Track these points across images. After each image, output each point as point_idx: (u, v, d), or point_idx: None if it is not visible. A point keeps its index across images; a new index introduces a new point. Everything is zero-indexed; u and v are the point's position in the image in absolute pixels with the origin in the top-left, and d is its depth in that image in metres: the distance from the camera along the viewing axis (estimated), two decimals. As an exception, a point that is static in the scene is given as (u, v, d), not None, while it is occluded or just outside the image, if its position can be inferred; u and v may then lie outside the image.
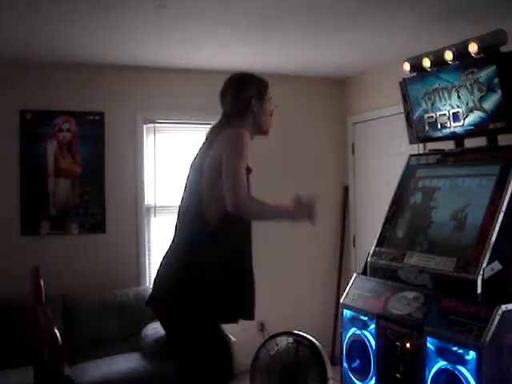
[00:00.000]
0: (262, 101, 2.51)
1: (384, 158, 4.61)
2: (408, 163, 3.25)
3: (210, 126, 2.55)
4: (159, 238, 4.69)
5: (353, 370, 2.98)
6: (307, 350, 3.32)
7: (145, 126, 4.66)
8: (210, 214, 2.29)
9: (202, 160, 2.38)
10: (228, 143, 2.29)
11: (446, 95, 2.98)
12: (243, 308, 2.44)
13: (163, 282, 2.38)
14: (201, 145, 2.50)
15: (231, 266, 2.36)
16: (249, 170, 2.37)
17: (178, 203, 2.49)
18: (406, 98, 3.27)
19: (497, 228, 2.49)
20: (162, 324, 2.46)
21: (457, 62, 2.88)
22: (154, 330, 4.00)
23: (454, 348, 2.34)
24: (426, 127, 3.18)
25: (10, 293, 3.91)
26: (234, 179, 2.21)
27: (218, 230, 2.30)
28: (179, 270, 2.32)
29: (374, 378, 2.82)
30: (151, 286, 2.51)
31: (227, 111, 2.50)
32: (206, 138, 2.49)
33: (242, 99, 2.47)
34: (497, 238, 2.48)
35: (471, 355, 2.27)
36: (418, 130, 3.25)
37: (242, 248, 2.44)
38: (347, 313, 3.05)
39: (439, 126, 3.10)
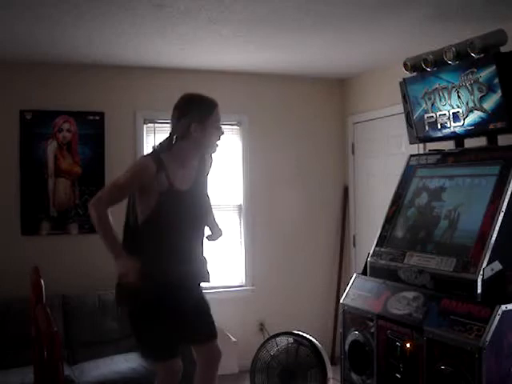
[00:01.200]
0: (204, 125, 2.60)
1: (384, 158, 4.61)
2: (408, 163, 3.25)
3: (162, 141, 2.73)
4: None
5: (353, 370, 2.98)
6: (307, 350, 3.32)
7: (145, 126, 4.66)
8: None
9: None
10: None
11: (445, 95, 2.99)
12: None
13: None
14: None
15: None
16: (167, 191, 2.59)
17: None
18: (405, 97, 3.27)
19: (497, 228, 2.49)
20: None
21: (457, 62, 2.88)
22: (154, 330, 4.00)
23: (454, 348, 2.35)
24: (426, 127, 3.18)
25: (10, 293, 3.91)
26: (105, 188, 2.75)
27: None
28: None
29: (374, 378, 2.82)
30: None
31: (172, 131, 2.66)
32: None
33: (182, 123, 2.60)
34: (497, 238, 2.48)
35: (471, 355, 2.27)
36: (418, 130, 3.25)
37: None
38: (347, 313, 3.05)
39: (439, 126, 3.10)
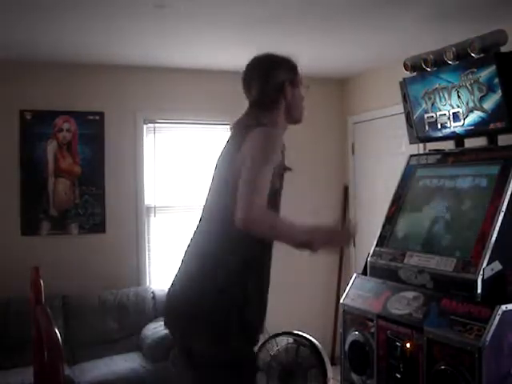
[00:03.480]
0: (295, 85, 2.14)
1: (384, 158, 4.61)
2: (408, 163, 3.25)
3: (235, 121, 2.16)
4: (159, 237, 4.69)
5: (353, 370, 2.98)
6: (307, 350, 3.32)
7: (145, 126, 4.66)
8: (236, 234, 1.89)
9: (227, 168, 1.99)
10: (255, 146, 1.91)
11: (446, 95, 2.98)
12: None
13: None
14: (226, 144, 2.11)
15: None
16: (283, 170, 2.08)
17: (201, 213, 2.10)
18: (406, 97, 3.27)
19: (497, 228, 2.49)
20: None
21: (457, 62, 2.88)
22: (154, 330, 4.00)
23: (454, 348, 2.34)
24: (426, 127, 3.18)
25: (9, 293, 3.91)
26: (250, 187, 1.82)
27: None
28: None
29: (374, 378, 2.81)
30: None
31: (255, 100, 2.12)
32: (232, 137, 2.09)
33: (274, 84, 2.08)
34: (497, 238, 2.47)
35: (471, 355, 2.27)
36: (418, 130, 3.24)
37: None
38: (347, 313, 3.05)
39: (439, 126, 3.10)
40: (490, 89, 2.72)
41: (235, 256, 1.96)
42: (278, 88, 2.08)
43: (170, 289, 2.07)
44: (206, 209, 2.07)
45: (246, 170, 1.85)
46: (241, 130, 2.03)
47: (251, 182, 1.83)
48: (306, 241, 2.04)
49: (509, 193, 2.52)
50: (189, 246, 2.07)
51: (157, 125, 4.71)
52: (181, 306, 1.98)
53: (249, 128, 1.98)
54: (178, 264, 2.08)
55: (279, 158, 1.99)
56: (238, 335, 1.99)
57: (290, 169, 2.10)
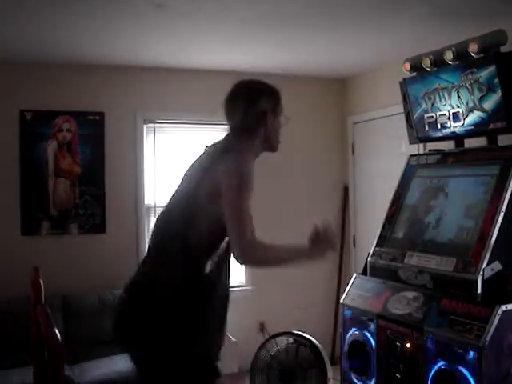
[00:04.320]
0: (277, 113, 2.16)
1: (384, 158, 4.61)
2: (408, 163, 3.25)
3: (213, 143, 2.19)
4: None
5: (353, 370, 2.98)
6: (307, 350, 3.32)
7: (145, 126, 4.66)
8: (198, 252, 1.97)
9: (197, 185, 2.01)
10: (231, 176, 1.94)
11: (445, 95, 2.98)
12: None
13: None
14: (199, 160, 2.14)
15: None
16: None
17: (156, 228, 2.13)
18: (406, 97, 3.27)
19: (497, 228, 2.49)
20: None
21: (457, 62, 2.88)
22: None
23: (454, 348, 2.34)
24: (426, 127, 3.18)
25: (10, 293, 3.91)
26: (240, 226, 1.91)
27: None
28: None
29: (374, 378, 2.82)
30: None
31: (236, 126, 2.12)
32: (206, 158, 2.11)
33: (257, 113, 2.08)
34: (497, 238, 2.48)
35: (471, 355, 2.27)
36: (418, 130, 3.24)
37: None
38: (347, 313, 3.05)
39: (439, 126, 3.10)
40: (490, 89, 2.72)
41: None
42: (260, 116, 2.09)
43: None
44: (164, 221, 2.09)
45: (230, 208, 1.91)
46: (217, 154, 2.06)
47: (239, 220, 1.91)
48: (299, 257, 2.25)
49: (509, 193, 2.53)
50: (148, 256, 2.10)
51: (157, 125, 4.71)
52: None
53: (224, 154, 2.01)
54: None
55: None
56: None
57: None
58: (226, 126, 2.17)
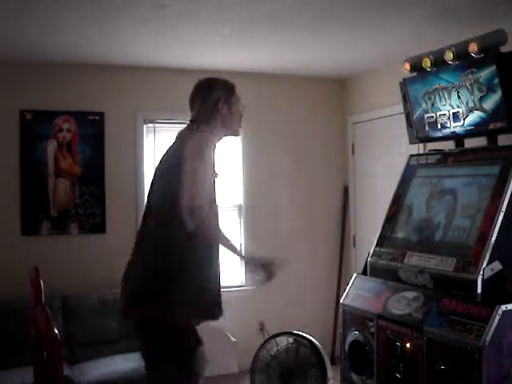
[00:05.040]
0: (230, 103, 2.52)
1: (384, 158, 4.61)
2: (408, 163, 3.25)
3: (179, 131, 2.59)
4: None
5: (353, 370, 2.98)
6: (307, 350, 3.31)
7: (145, 126, 4.66)
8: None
9: (171, 173, 2.29)
10: (188, 151, 2.28)
11: (445, 95, 2.98)
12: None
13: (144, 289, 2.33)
14: (169, 152, 2.50)
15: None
16: (215, 175, 2.35)
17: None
18: (406, 97, 3.27)
19: (497, 228, 2.49)
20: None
21: (457, 62, 2.88)
22: (154, 330, 3.99)
23: (454, 348, 2.34)
24: (426, 127, 3.18)
25: (10, 293, 3.91)
26: (191, 187, 2.19)
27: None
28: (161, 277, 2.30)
29: (374, 378, 2.82)
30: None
31: (195, 116, 2.55)
32: (175, 143, 2.51)
33: (210, 103, 2.50)
34: (497, 238, 2.48)
35: (471, 355, 2.27)
36: (418, 130, 3.24)
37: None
38: (347, 313, 3.05)
39: (439, 126, 3.10)
40: (490, 89, 2.72)
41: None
42: (213, 106, 2.49)
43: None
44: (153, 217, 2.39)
45: (185, 173, 2.21)
46: (181, 140, 2.44)
47: (191, 183, 2.19)
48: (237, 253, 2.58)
49: (509, 193, 2.53)
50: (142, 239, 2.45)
51: (157, 125, 4.71)
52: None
53: (187, 137, 2.40)
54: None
55: (211, 158, 2.31)
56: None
57: (217, 175, 2.38)
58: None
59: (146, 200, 2.50)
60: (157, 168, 2.50)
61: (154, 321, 2.28)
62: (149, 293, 2.29)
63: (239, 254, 2.67)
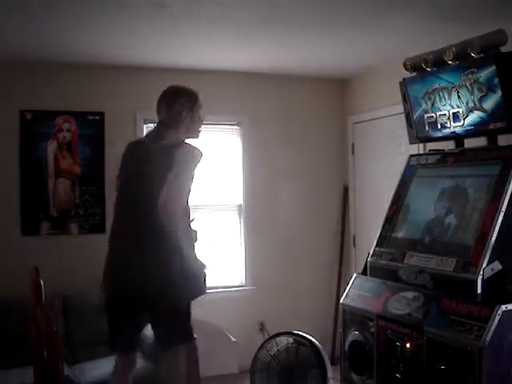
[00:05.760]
0: (193, 111, 2.85)
1: (384, 158, 4.61)
2: (408, 163, 3.25)
3: (149, 136, 2.93)
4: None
5: (353, 370, 2.98)
6: (307, 350, 3.31)
7: (145, 126, 4.66)
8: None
9: (160, 174, 2.63)
10: (186, 161, 2.69)
11: (445, 95, 2.98)
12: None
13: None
14: (140, 149, 2.86)
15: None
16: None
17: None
18: (406, 97, 3.27)
19: (497, 228, 2.49)
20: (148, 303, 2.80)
21: (457, 62, 2.88)
22: (154, 330, 3.99)
23: (454, 348, 2.34)
24: (426, 127, 3.18)
25: (10, 293, 3.91)
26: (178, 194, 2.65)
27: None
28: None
29: (374, 378, 2.82)
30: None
31: (161, 120, 2.89)
32: (144, 143, 2.89)
33: (175, 111, 2.83)
34: (497, 238, 2.47)
35: (471, 355, 2.27)
36: (418, 130, 3.24)
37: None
38: (347, 313, 3.05)
39: (439, 126, 3.10)
40: (490, 89, 2.72)
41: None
42: (178, 114, 2.82)
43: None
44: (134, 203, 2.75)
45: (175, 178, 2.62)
46: (153, 140, 2.84)
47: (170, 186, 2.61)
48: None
49: (509, 193, 2.52)
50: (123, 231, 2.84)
51: (157, 125, 4.71)
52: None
53: (160, 139, 2.80)
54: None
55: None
56: None
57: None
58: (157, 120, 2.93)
59: (124, 188, 2.85)
60: (140, 162, 2.78)
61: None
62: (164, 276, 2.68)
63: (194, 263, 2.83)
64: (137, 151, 2.88)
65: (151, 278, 2.70)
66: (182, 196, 2.66)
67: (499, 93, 2.68)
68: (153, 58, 4.33)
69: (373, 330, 2.82)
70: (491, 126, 2.79)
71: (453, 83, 2.92)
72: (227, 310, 4.68)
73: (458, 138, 3.08)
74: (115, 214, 2.91)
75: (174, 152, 2.67)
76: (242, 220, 4.94)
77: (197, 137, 2.93)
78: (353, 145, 5.11)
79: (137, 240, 2.73)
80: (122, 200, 2.87)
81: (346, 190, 5.20)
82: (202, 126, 2.95)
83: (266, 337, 3.77)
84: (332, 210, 5.20)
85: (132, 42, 3.83)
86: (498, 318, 2.26)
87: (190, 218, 2.83)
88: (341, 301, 3.15)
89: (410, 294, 2.71)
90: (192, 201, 2.89)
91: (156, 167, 2.68)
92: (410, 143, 3.42)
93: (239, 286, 4.91)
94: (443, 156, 3.07)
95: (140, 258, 2.71)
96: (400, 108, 3.44)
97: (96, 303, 4.18)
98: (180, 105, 2.83)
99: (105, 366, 3.81)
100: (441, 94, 3.01)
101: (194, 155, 2.70)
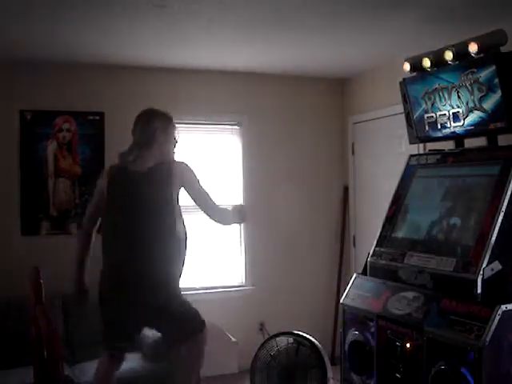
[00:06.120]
0: (166, 133, 3.00)
1: (384, 158, 4.61)
2: (408, 163, 3.25)
3: (122, 152, 3.02)
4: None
5: (353, 370, 2.98)
6: (307, 350, 3.31)
7: (145, 126, 4.66)
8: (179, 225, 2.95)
9: (163, 187, 2.90)
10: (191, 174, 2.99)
11: (446, 95, 2.98)
12: None
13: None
14: (130, 169, 2.96)
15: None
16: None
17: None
18: (406, 98, 3.27)
19: (497, 228, 2.49)
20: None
21: (457, 62, 2.88)
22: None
23: (454, 348, 2.34)
24: (426, 127, 3.18)
25: (9, 293, 3.91)
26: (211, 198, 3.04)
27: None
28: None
29: (374, 378, 2.82)
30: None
31: (137, 139, 3.01)
32: (152, 171, 2.94)
33: (150, 130, 2.98)
34: (497, 238, 2.47)
35: (471, 355, 2.27)
36: (418, 130, 3.24)
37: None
38: (347, 313, 3.05)
39: (439, 126, 3.10)
40: (490, 89, 2.72)
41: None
42: (152, 133, 2.97)
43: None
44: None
45: (202, 189, 3.02)
46: (161, 165, 2.96)
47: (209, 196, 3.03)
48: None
49: (509, 193, 2.52)
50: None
51: (157, 125, 4.71)
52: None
53: (170, 164, 2.98)
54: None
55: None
56: None
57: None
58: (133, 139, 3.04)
59: (125, 200, 2.94)
60: (135, 177, 2.93)
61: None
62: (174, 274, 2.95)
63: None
64: (125, 175, 2.98)
65: (158, 277, 2.89)
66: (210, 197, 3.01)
67: (499, 93, 2.68)
68: (153, 58, 4.32)
69: (373, 329, 2.82)
70: (491, 126, 2.79)
71: (453, 83, 2.92)
72: (227, 310, 4.68)
73: (457, 137, 3.08)
74: (110, 232, 3.15)
75: (170, 169, 2.92)
76: (242, 220, 4.94)
77: (172, 156, 3.07)
78: (353, 145, 5.11)
79: (145, 242, 2.89)
80: (118, 219, 3.03)
81: (346, 189, 5.20)
82: (177, 146, 3.11)
83: (266, 337, 3.77)
84: (332, 209, 5.20)
85: (132, 41, 3.83)
86: (497, 317, 2.26)
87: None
88: (341, 301, 3.15)
89: (409, 294, 2.71)
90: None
91: (157, 185, 2.89)
92: (410, 143, 3.42)
93: (239, 286, 4.91)
94: (443, 156, 3.07)
95: (147, 258, 2.88)
96: (400, 108, 3.44)
97: (96, 303, 4.18)
98: (155, 124, 2.99)
99: (105, 366, 3.81)
100: (441, 93, 3.01)
101: (188, 165, 2.98)
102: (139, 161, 2.93)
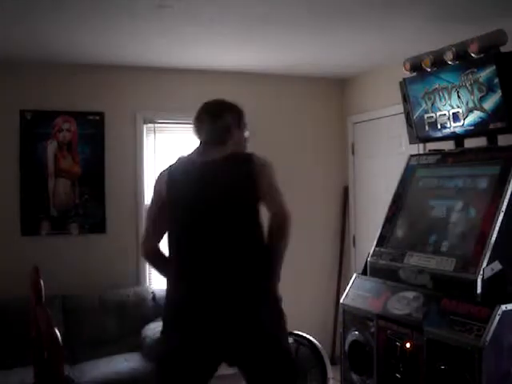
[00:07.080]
0: (241, 128, 2.53)
1: (384, 158, 4.61)
2: (408, 163, 3.25)
3: (187, 158, 2.62)
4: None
5: (353, 370, 2.98)
6: (307, 350, 3.31)
7: (145, 126, 4.66)
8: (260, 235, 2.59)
9: (242, 193, 2.43)
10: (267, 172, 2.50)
11: (446, 95, 2.99)
12: None
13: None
14: (201, 170, 2.47)
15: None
16: None
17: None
18: (406, 98, 3.27)
19: (497, 228, 2.49)
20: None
21: (457, 62, 2.88)
22: (154, 329, 3.99)
23: (454, 348, 2.34)
24: (426, 127, 3.18)
25: (10, 293, 3.90)
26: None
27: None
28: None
29: (374, 378, 2.82)
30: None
31: (206, 140, 2.49)
32: (226, 167, 2.43)
33: (221, 127, 2.46)
34: (497, 238, 2.48)
35: (471, 355, 2.27)
36: (418, 130, 3.25)
37: None
38: (347, 313, 3.05)
39: (439, 126, 3.10)
40: (490, 89, 2.72)
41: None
42: (225, 130, 2.45)
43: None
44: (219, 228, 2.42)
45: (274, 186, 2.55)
46: (235, 163, 2.43)
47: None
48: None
49: (509, 193, 2.53)
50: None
51: (157, 125, 4.71)
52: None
53: (246, 162, 2.40)
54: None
55: None
56: None
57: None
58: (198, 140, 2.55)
59: (193, 208, 2.43)
60: (208, 181, 2.44)
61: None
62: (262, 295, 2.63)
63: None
64: (194, 170, 2.53)
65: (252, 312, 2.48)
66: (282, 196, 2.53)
67: (499, 93, 2.68)
68: (153, 58, 4.32)
69: (373, 329, 2.82)
70: (491, 126, 2.79)
71: (453, 83, 2.92)
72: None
73: (457, 138, 3.08)
74: (179, 245, 2.45)
75: (243, 161, 2.41)
76: (242, 220, 4.93)
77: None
78: (353, 145, 5.11)
79: (227, 266, 2.42)
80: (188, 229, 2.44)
81: (345, 190, 5.20)
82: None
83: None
84: (332, 210, 5.19)
85: (132, 41, 3.83)
86: (497, 318, 2.26)
87: None
88: (341, 301, 3.15)
89: (410, 294, 2.71)
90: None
91: (231, 180, 2.40)
92: (410, 143, 3.43)
93: (239, 286, 4.90)
94: (443, 156, 3.07)
95: (236, 288, 2.44)
96: (400, 108, 3.44)
97: (96, 303, 4.19)
98: (228, 119, 2.49)
99: (105, 366, 3.82)
100: (441, 94, 3.01)
101: (264, 158, 2.47)
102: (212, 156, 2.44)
